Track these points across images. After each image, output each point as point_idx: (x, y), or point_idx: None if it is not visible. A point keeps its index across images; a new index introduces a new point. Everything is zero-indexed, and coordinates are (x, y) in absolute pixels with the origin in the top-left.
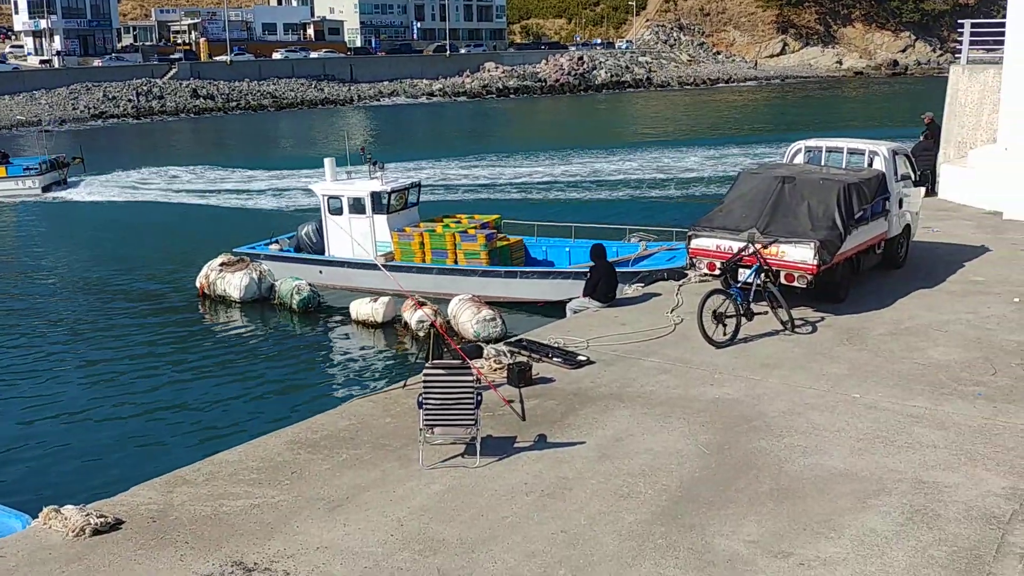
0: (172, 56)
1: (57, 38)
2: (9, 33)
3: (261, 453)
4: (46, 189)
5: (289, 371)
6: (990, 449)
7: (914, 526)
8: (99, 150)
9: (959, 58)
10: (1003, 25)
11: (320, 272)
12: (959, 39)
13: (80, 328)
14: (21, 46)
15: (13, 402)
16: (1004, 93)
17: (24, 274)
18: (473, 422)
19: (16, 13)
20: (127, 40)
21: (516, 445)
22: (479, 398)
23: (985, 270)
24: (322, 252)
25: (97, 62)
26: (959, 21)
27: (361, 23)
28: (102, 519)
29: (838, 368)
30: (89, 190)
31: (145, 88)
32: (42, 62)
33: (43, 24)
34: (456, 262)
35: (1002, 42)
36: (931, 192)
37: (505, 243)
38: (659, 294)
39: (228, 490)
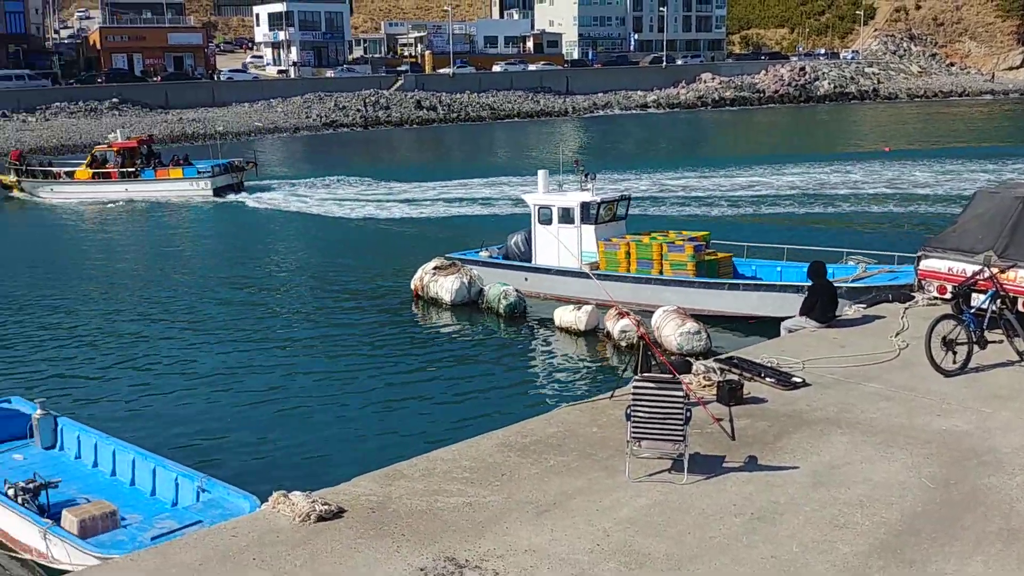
0: (399, 68)
1: (294, 50)
2: (250, 44)
3: (474, 453)
4: (218, 192)
5: (496, 373)
6: None
7: None
8: (325, 156)
9: None
10: None
11: (526, 279)
12: None
13: (303, 323)
14: (261, 57)
15: (242, 392)
16: None
17: (241, 276)
18: (682, 438)
19: (257, 26)
20: (357, 52)
21: (725, 465)
22: (688, 414)
23: None
24: (529, 260)
25: (329, 73)
26: None
27: (579, 35)
28: (326, 507)
29: None
30: (283, 195)
31: (373, 99)
32: (279, 72)
33: (281, 36)
34: (661, 272)
35: None
36: None
37: (713, 257)
38: (883, 316)
39: (443, 487)
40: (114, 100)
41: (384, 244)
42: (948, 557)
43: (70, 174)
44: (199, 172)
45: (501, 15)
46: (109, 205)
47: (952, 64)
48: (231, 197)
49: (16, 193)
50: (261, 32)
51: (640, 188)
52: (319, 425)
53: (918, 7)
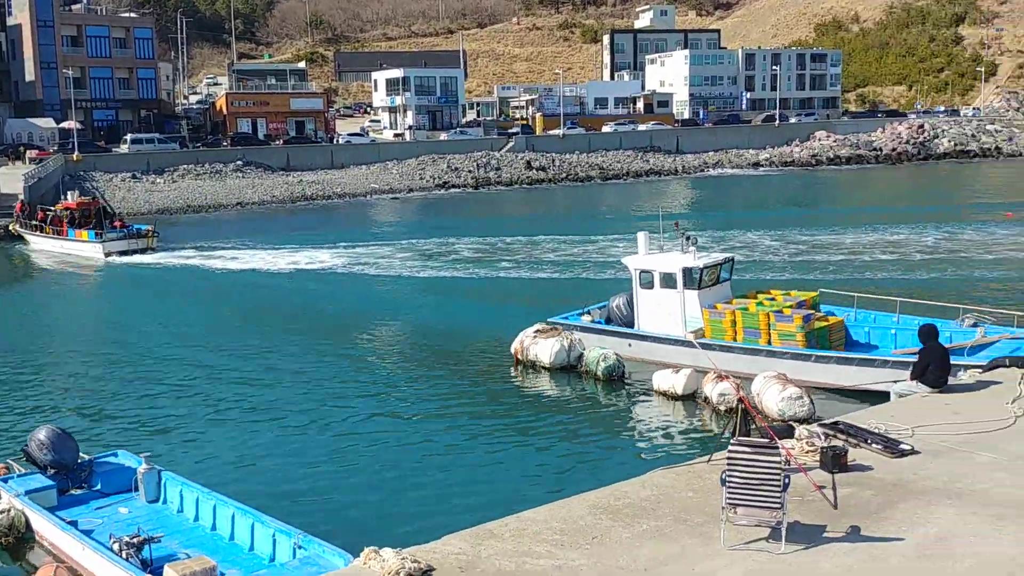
0: (510, 130)
1: (410, 113)
2: (368, 109)
3: (565, 515)
4: (110, 254)
5: (591, 436)
6: None
7: None
8: (435, 216)
9: None
10: None
11: (629, 345)
12: None
13: (403, 381)
14: (378, 120)
15: (339, 448)
16: None
17: (340, 333)
18: (779, 505)
19: (375, 91)
20: (470, 115)
21: (825, 535)
22: (787, 480)
23: None
24: (632, 325)
25: (443, 136)
26: None
27: (690, 95)
28: (416, 564)
29: None
30: (388, 252)
31: (484, 160)
32: (395, 135)
33: (398, 101)
34: (769, 342)
35: None
36: None
37: (824, 324)
38: (998, 382)
39: (532, 548)
40: (238, 163)
41: (486, 305)
42: None
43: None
44: (96, 235)
45: (612, 77)
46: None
47: None
48: (136, 259)
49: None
50: (379, 97)
51: (748, 246)
52: (414, 483)
53: None
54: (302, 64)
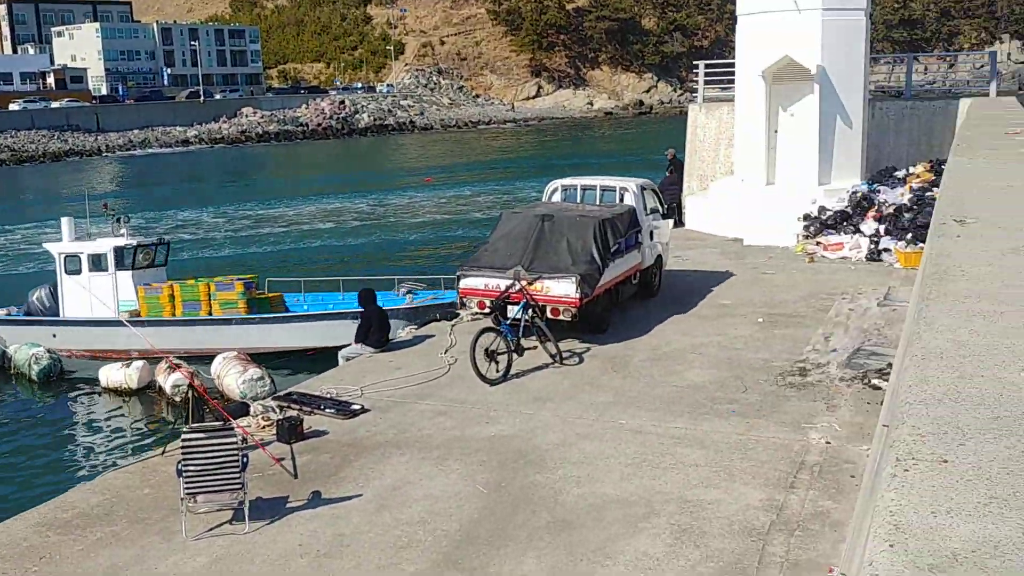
0: None
1: None
2: None
3: (4, 539)
4: None
5: (32, 448)
6: (746, 463)
7: (683, 546)
8: None
9: (696, 97)
10: (733, 66)
11: (54, 335)
12: (696, 79)
13: None
14: None
15: None
16: (737, 128)
17: None
18: (239, 486)
19: None
20: None
21: (288, 505)
22: (245, 460)
23: (731, 293)
24: (57, 315)
25: None
26: (695, 63)
27: (106, 70)
28: None
29: (605, 396)
30: None
31: None
32: None
33: None
34: (211, 313)
35: (733, 81)
36: (679, 223)
37: (263, 296)
38: (432, 335)
39: None
40: None
41: None
42: (505, 558)
43: None
44: None
45: (15, 50)
46: None
47: (478, 95)
48: None
49: None
50: None
51: (183, 230)
52: None
53: (442, 43)
54: None
